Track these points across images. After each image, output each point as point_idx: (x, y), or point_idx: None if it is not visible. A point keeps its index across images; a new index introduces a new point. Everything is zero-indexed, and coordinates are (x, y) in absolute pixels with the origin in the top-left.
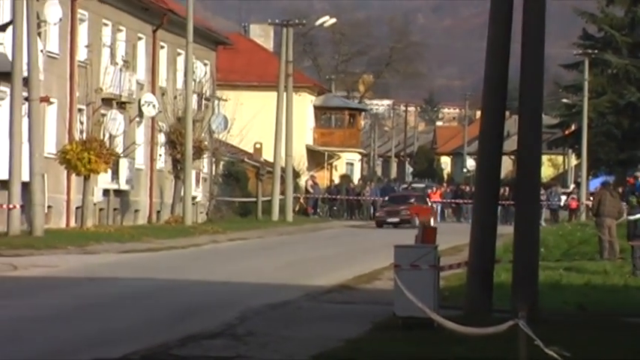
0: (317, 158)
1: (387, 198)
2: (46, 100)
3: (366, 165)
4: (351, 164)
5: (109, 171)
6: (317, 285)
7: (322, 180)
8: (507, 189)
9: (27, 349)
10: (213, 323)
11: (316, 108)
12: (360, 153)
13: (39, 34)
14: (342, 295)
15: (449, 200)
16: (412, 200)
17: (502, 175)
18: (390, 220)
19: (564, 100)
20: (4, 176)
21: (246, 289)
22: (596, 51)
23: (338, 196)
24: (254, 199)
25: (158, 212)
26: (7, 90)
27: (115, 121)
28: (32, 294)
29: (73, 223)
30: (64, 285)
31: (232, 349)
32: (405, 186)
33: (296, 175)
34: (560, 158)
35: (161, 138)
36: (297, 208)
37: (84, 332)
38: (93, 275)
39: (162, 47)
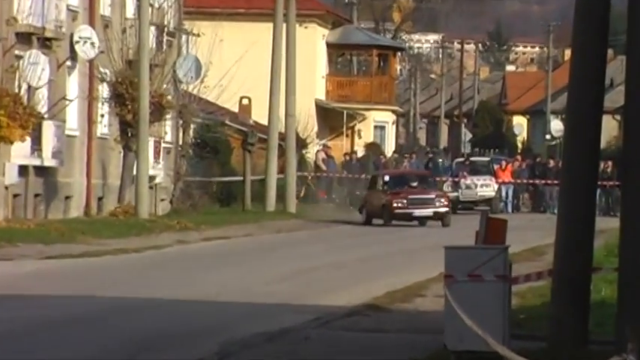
0: (332, 120)
1: (387, 178)
2: None
3: (403, 129)
4: (382, 128)
5: (28, 139)
6: (332, 305)
7: (339, 152)
8: (610, 164)
9: None
10: None
11: (331, 46)
12: (394, 112)
13: None
14: (368, 319)
15: (524, 180)
16: (415, 184)
17: (603, 144)
18: (418, 213)
19: None
20: None
21: (230, 312)
22: None
23: (363, 176)
24: (239, 179)
25: (100, 200)
26: None
27: (35, 67)
28: None
29: None
30: None
31: None
32: (460, 159)
33: (301, 144)
34: None
35: (104, 91)
36: (302, 194)
37: None
38: (4, 292)
39: None
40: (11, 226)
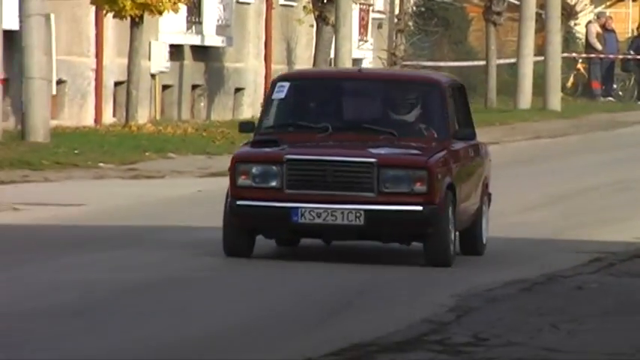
0: None
1: (281, 93)
2: None
3: None
4: None
5: (182, 9)
6: (617, 241)
7: (623, 24)
8: None
9: None
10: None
11: None
12: None
13: None
14: None
15: None
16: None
17: None
18: (305, 218)
19: None
20: None
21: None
22: None
23: None
24: (480, 63)
25: None
26: None
27: None
28: None
29: (89, 118)
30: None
31: None
32: None
33: (569, 13)
34: None
35: None
36: (570, 83)
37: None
38: (149, 221)
39: None
40: (161, 130)
